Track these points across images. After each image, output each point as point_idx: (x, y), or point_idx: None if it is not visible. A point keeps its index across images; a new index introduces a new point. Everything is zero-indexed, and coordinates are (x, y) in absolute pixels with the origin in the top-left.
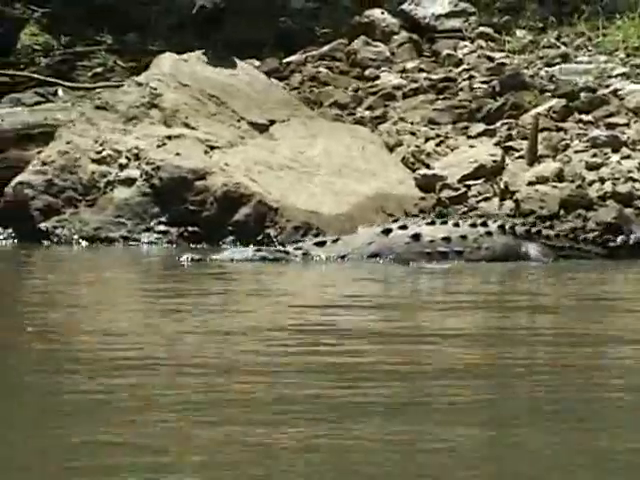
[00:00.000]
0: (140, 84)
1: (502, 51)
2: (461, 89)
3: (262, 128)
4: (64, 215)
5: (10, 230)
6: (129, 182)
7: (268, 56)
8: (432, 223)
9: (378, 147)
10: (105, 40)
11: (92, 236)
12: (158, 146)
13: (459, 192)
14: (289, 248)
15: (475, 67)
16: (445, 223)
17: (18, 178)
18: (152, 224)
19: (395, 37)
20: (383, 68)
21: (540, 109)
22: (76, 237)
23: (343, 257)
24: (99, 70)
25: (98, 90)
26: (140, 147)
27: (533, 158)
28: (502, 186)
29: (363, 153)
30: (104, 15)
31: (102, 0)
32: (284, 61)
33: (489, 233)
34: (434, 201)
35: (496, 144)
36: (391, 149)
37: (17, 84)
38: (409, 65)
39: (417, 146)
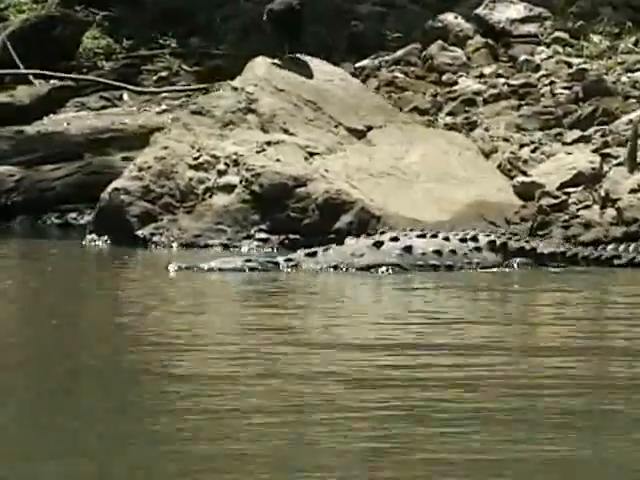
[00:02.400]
0: (235, 89)
1: (580, 56)
2: (542, 95)
3: (359, 134)
4: (162, 222)
5: (105, 237)
6: (229, 189)
7: (340, 61)
8: (423, 236)
9: (474, 154)
10: (169, 44)
11: (191, 243)
12: (257, 152)
13: (559, 200)
14: (279, 259)
15: (554, 73)
16: (435, 236)
17: (114, 184)
18: (252, 231)
19: (470, 42)
20: (460, 73)
21: (633, 115)
22: (175, 244)
23: (335, 268)
24: (164, 74)
25: (163, 95)
26: (239, 153)
27: (633, 165)
28: (603, 194)
29: (460, 160)
30: (167, 19)
31: (166, 4)
32: (356, 65)
33: (478, 249)
34: (535, 209)
35: (594, 151)
36: (486, 156)
37: (81, 88)
38: (486, 70)
39: (513, 153)
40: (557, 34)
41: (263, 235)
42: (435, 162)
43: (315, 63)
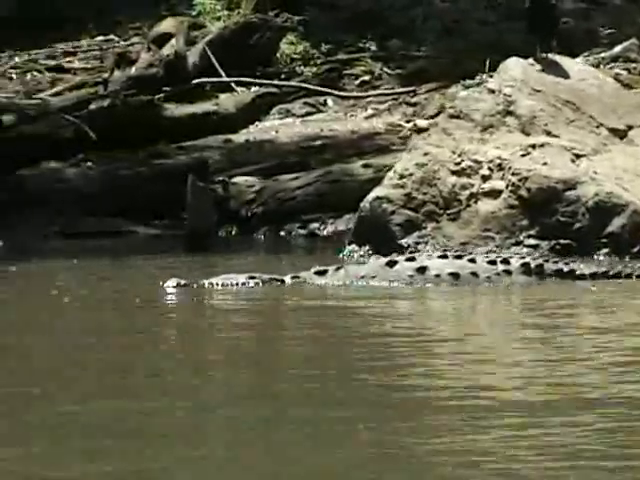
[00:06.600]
0: (492, 91)
1: None
2: None
3: (621, 134)
4: (425, 230)
5: (367, 247)
6: (494, 194)
7: None
8: (444, 257)
9: None
10: (368, 47)
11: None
12: (522, 155)
13: None
14: (286, 277)
15: None
16: (459, 257)
17: (374, 193)
18: (522, 237)
19: None
20: None
21: None
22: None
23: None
24: (367, 78)
25: (369, 99)
26: (502, 157)
27: None
28: None
29: None
30: (362, 21)
31: (358, 6)
32: None
33: (508, 272)
34: None
35: None
36: None
37: (284, 94)
38: None
39: None
40: None
41: (532, 241)
42: None
43: (566, 63)
